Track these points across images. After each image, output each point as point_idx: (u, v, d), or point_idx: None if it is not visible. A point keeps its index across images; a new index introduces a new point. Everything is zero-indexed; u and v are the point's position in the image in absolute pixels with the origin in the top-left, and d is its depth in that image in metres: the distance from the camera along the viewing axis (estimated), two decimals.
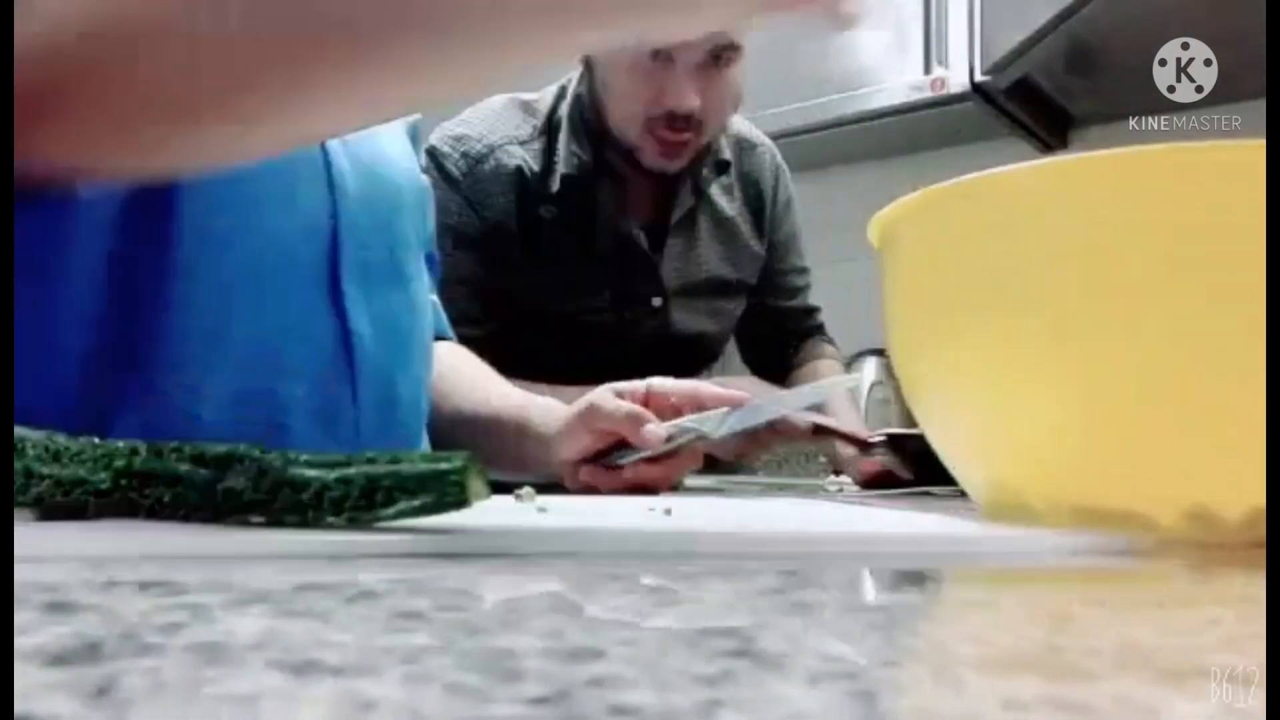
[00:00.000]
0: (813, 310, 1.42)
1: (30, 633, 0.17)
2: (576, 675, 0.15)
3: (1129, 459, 0.38)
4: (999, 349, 0.40)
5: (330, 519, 0.32)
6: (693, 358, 1.29)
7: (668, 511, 0.46)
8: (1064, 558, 0.35)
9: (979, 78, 1.54)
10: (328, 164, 0.59)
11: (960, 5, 1.56)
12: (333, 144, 0.60)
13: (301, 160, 0.57)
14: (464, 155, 1.15)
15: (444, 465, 0.31)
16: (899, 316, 0.47)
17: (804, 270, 1.39)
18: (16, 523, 0.31)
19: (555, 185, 1.16)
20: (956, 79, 1.56)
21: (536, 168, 1.16)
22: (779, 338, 1.40)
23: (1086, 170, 0.39)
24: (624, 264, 1.20)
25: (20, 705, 0.13)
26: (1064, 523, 0.39)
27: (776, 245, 1.34)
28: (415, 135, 0.83)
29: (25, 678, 0.14)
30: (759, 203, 1.31)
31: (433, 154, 1.15)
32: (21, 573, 0.22)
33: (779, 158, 1.34)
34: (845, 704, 0.14)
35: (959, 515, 0.47)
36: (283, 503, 0.32)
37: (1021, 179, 0.40)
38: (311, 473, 0.32)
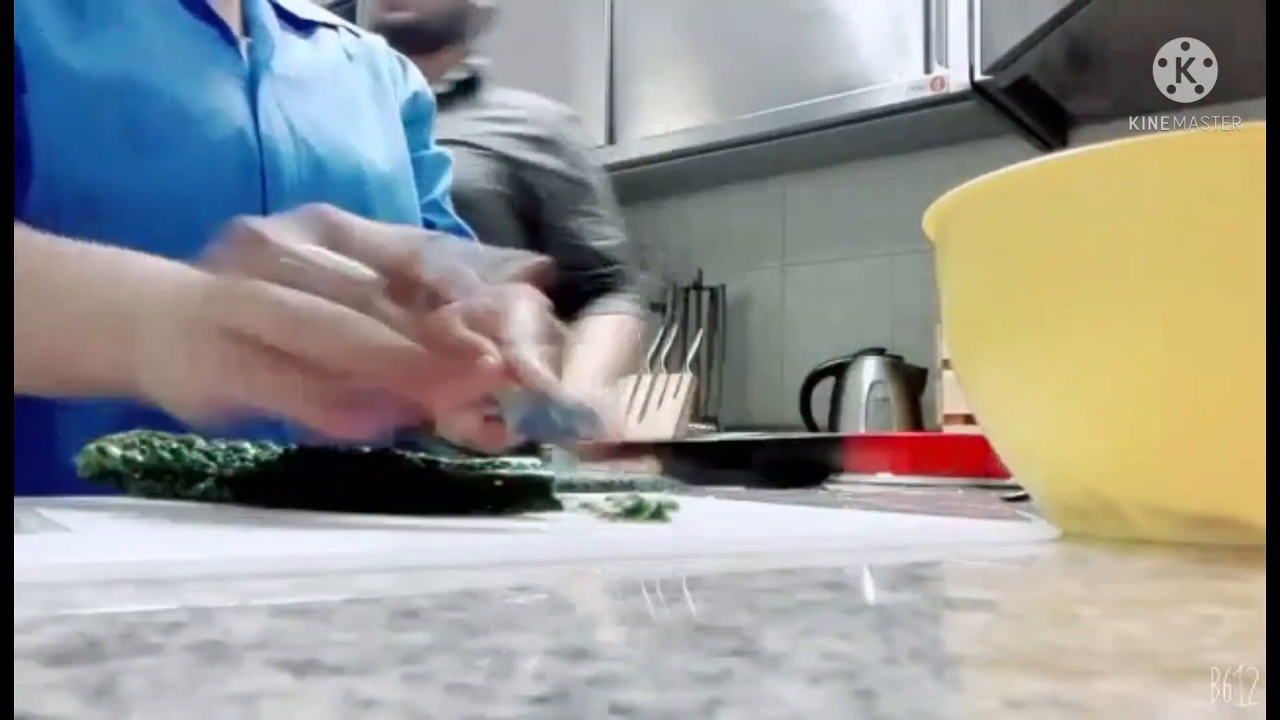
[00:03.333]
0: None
1: (30, 632, 0.17)
2: (576, 675, 0.15)
3: (1226, 459, 0.35)
4: (1084, 342, 0.37)
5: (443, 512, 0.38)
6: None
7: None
8: (1064, 555, 0.35)
9: (979, 77, 1.53)
10: (261, 163, 0.64)
11: (960, 5, 1.55)
12: (274, 140, 0.66)
13: (233, 161, 0.63)
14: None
15: (544, 474, 0.39)
16: (962, 309, 0.44)
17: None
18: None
19: None
20: (956, 78, 1.55)
21: None
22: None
23: (1172, 149, 0.36)
24: None
25: (20, 705, 0.13)
26: (1148, 528, 0.37)
27: None
28: (424, 114, 0.84)
29: (25, 677, 0.14)
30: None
31: None
32: (22, 574, 0.22)
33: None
34: (845, 704, 0.14)
35: (959, 516, 0.47)
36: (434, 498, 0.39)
37: (1097, 160, 0.37)
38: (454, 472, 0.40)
